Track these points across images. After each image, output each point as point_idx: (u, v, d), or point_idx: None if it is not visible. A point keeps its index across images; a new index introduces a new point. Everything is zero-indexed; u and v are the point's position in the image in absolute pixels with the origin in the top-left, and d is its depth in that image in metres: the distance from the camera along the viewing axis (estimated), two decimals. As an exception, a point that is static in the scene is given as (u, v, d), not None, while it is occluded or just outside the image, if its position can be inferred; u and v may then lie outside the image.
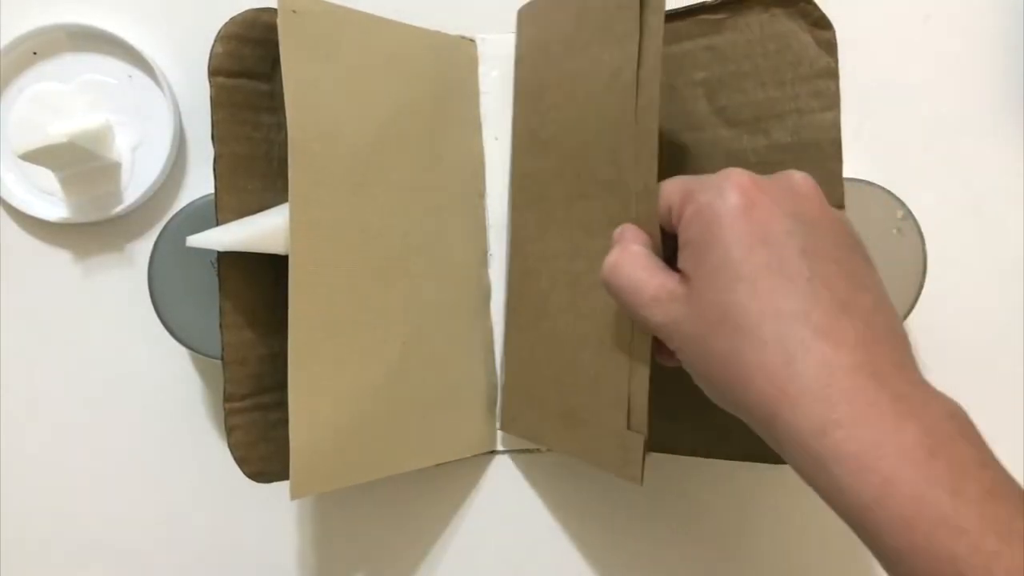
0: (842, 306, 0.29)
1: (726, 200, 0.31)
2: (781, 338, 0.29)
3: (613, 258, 0.35)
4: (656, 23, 0.37)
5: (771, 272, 0.30)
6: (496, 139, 0.50)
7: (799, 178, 0.33)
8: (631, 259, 0.34)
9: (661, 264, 0.34)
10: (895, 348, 0.30)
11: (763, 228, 0.30)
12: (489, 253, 0.50)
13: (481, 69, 0.50)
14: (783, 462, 0.30)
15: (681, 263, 0.33)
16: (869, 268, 0.32)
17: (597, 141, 0.42)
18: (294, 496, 0.41)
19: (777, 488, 0.51)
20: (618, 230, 0.37)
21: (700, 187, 0.33)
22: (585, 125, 0.43)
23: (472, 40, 0.50)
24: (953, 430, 0.28)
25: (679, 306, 0.32)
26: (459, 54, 0.49)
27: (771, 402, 0.29)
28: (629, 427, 0.39)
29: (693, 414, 0.42)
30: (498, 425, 0.51)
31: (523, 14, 0.49)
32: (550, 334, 0.46)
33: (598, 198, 0.42)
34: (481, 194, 0.50)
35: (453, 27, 0.49)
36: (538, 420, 0.47)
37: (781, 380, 0.28)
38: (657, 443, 0.45)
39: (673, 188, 0.34)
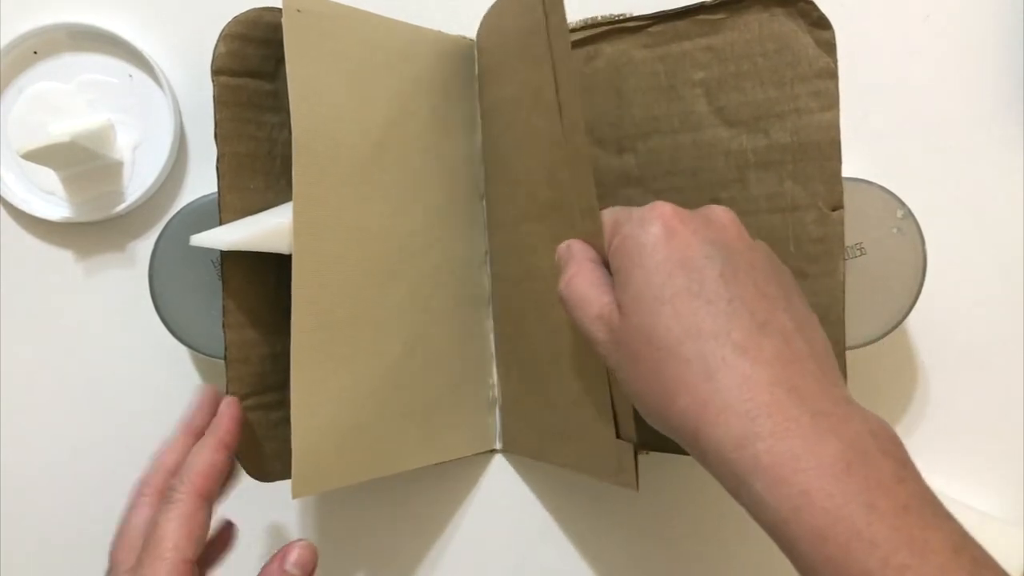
0: (760, 326, 0.31)
1: (647, 230, 0.33)
2: (702, 356, 0.30)
3: (569, 273, 0.36)
4: (562, 46, 0.37)
5: (691, 295, 0.31)
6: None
7: (719, 211, 0.35)
8: (585, 274, 0.35)
9: (611, 282, 0.35)
10: (818, 366, 0.30)
11: (682, 254, 0.32)
12: (488, 253, 0.50)
13: (482, 69, 0.51)
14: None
15: (615, 291, 0.34)
16: (791, 292, 0.33)
17: (536, 164, 0.42)
18: (296, 495, 0.41)
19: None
20: (563, 245, 0.37)
21: (627, 218, 0.34)
22: (523, 149, 0.43)
23: (473, 40, 0.50)
24: (873, 446, 0.28)
25: (615, 327, 0.33)
26: (460, 54, 0.49)
27: (694, 417, 0.29)
28: (618, 436, 0.40)
29: None
30: (499, 446, 0.51)
31: (479, 37, 0.50)
32: (530, 354, 0.47)
33: (545, 219, 0.42)
34: (481, 195, 0.50)
35: (453, 27, 0.49)
36: (536, 439, 0.48)
37: (703, 395, 0.29)
38: (651, 443, 0.45)
39: (606, 219, 0.36)
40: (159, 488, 0.40)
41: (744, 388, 0.29)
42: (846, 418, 0.29)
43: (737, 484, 0.28)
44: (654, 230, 0.33)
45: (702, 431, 0.29)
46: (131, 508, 0.40)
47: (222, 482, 0.40)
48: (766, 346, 0.30)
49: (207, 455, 0.39)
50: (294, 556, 0.39)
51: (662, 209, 0.33)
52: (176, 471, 0.39)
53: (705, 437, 0.29)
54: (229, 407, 0.42)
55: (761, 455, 0.28)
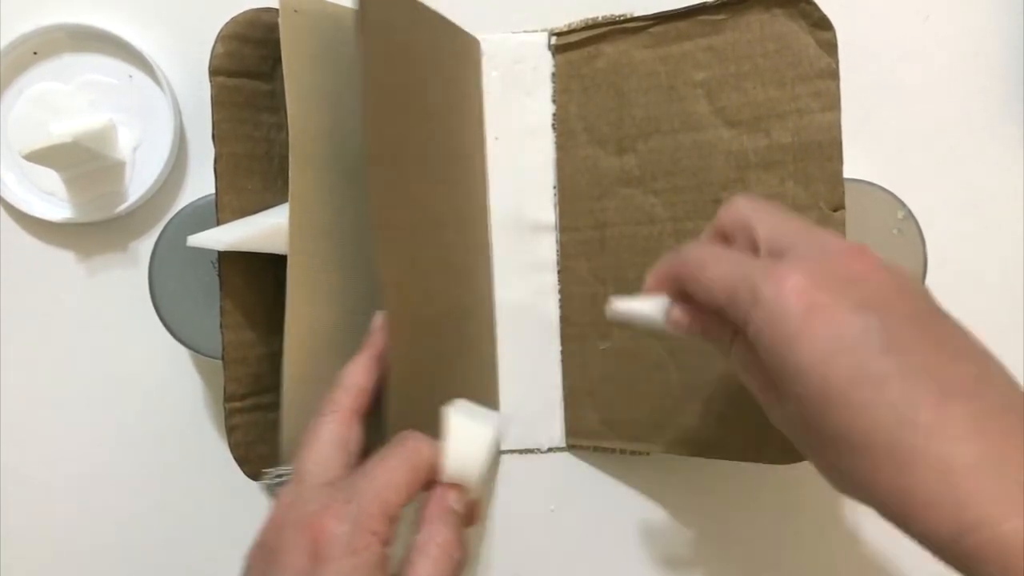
0: (945, 393, 0.27)
1: (787, 312, 0.29)
2: (890, 450, 0.27)
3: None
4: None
5: (857, 384, 0.27)
6: (496, 139, 0.50)
7: (855, 254, 0.30)
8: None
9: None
10: (1016, 416, 0.27)
11: (834, 333, 0.28)
12: (491, 253, 0.50)
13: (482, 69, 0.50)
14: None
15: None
16: (953, 325, 0.30)
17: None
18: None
19: (779, 487, 0.51)
20: None
21: (758, 288, 0.30)
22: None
23: (477, 39, 0.50)
24: None
25: (779, 413, 0.32)
26: (468, 50, 0.49)
27: (899, 511, 0.27)
28: None
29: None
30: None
31: None
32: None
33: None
34: (485, 194, 0.50)
35: (453, 27, 0.49)
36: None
37: (901, 492, 0.27)
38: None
39: (734, 273, 0.31)
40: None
41: (946, 477, 0.26)
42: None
43: (961, 568, 0.26)
44: (793, 309, 0.28)
45: (912, 526, 0.27)
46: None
47: (373, 395, 0.38)
48: (958, 416, 0.27)
49: (352, 371, 0.38)
50: (454, 494, 0.35)
51: (795, 281, 0.29)
52: (348, 387, 0.38)
53: (917, 533, 0.27)
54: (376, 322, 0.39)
55: (983, 546, 0.25)
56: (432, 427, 0.35)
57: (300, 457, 0.36)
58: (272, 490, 0.39)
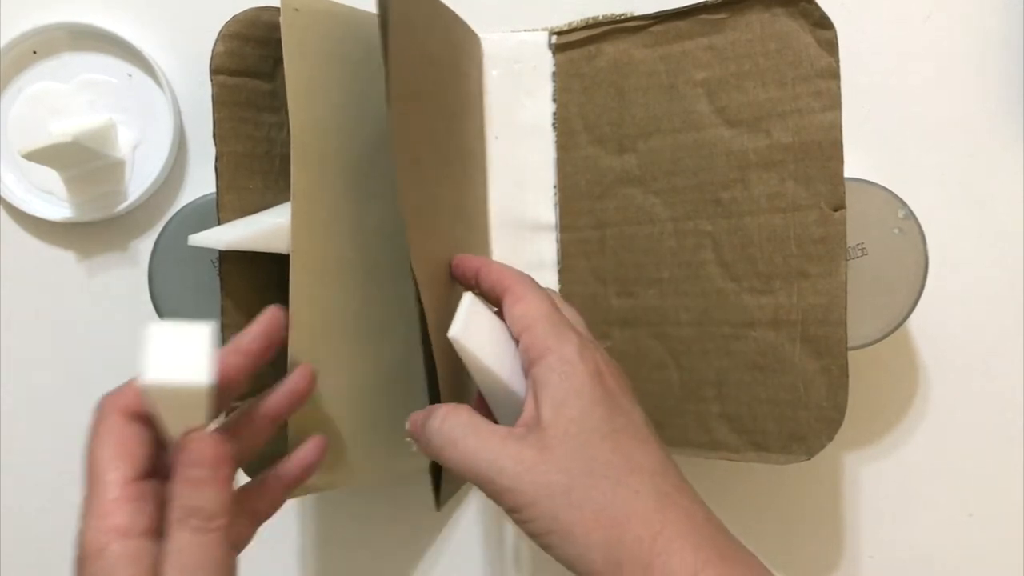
0: (680, 473, 0.34)
1: (585, 360, 0.34)
2: (652, 489, 0.32)
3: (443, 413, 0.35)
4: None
5: (628, 435, 0.34)
6: (496, 139, 0.50)
7: (616, 366, 0.37)
8: (467, 413, 0.35)
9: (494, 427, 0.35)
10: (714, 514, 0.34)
11: (614, 397, 0.34)
12: (491, 252, 0.50)
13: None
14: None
15: (537, 405, 0.34)
16: None
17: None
18: (291, 495, 0.41)
19: (779, 487, 0.51)
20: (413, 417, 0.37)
21: (555, 337, 0.35)
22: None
23: (478, 36, 0.50)
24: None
25: (529, 460, 0.33)
26: (471, 46, 0.49)
27: (648, 546, 0.31)
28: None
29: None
30: None
31: None
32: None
33: None
34: (485, 193, 0.50)
35: (454, 26, 0.49)
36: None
37: (656, 525, 0.31)
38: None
39: (539, 313, 0.36)
40: None
41: (690, 521, 0.32)
42: (750, 553, 0.33)
43: None
44: (591, 365, 0.34)
45: (656, 561, 0.31)
46: None
47: (240, 385, 0.36)
48: (690, 489, 0.34)
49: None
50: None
51: (593, 350, 0.35)
52: None
53: (660, 564, 0.31)
54: (272, 311, 0.37)
55: None
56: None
57: None
58: None
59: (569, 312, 0.38)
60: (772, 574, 0.33)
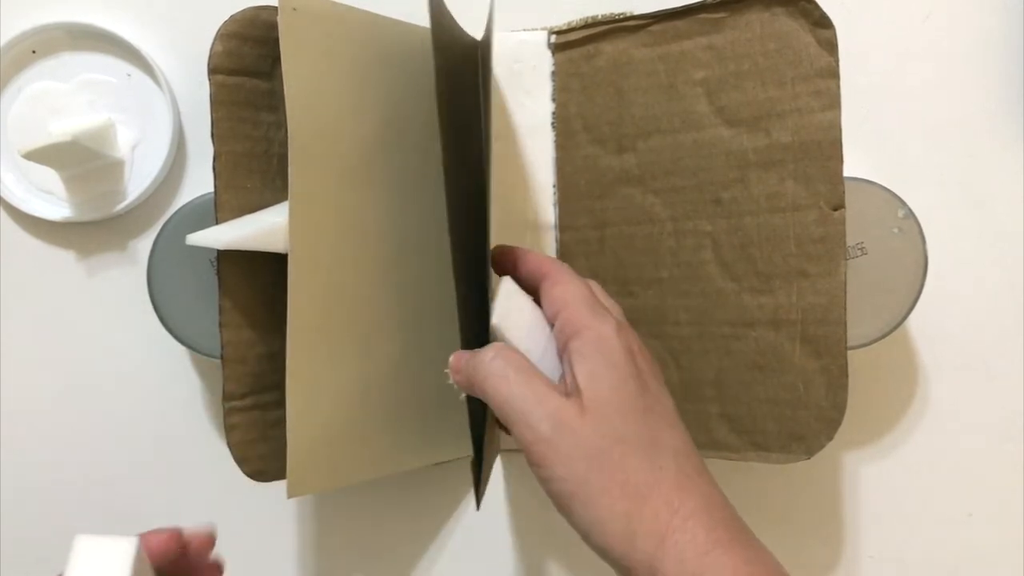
0: (702, 460, 0.35)
1: (619, 338, 0.35)
2: (676, 467, 0.33)
3: (492, 354, 0.36)
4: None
5: (656, 415, 0.34)
6: (496, 139, 0.50)
7: (649, 354, 0.37)
8: (521, 362, 0.36)
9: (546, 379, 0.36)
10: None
11: (642, 377, 0.35)
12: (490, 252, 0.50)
13: (481, 68, 0.50)
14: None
15: (574, 375, 0.35)
16: None
17: None
18: (291, 495, 0.41)
19: (779, 487, 0.51)
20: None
21: (593, 315, 0.36)
22: None
23: (475, 39, 0.50)
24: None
25: (569, 423, 0.33)
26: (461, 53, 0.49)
27: (665, 521, 0.32)
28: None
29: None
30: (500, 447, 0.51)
31: None
32: None
33: None
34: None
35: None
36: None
37: (675, 503, 0.32)
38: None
39: (576, 294, 0.37)
40: None
41: (707, 503, 0.33)
42: (764, 546, 0.34)
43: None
44: (625, 344, 0.35)
45: (670, 537, 0.31)
46: None
47: None
48: (710, 476, 0.35)
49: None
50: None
51: (629, 332, 0.36)
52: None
53: (673, 542, 0.31)
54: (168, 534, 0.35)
55: (721, 558, 0.31)
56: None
57: None
58: None
59: (608, 302, 0.39)
60: (780, 564, 0.33)
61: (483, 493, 0.42)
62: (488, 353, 0.35)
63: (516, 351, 0.35)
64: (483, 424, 0.40)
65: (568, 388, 0.34)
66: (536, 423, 0.33)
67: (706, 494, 0.33)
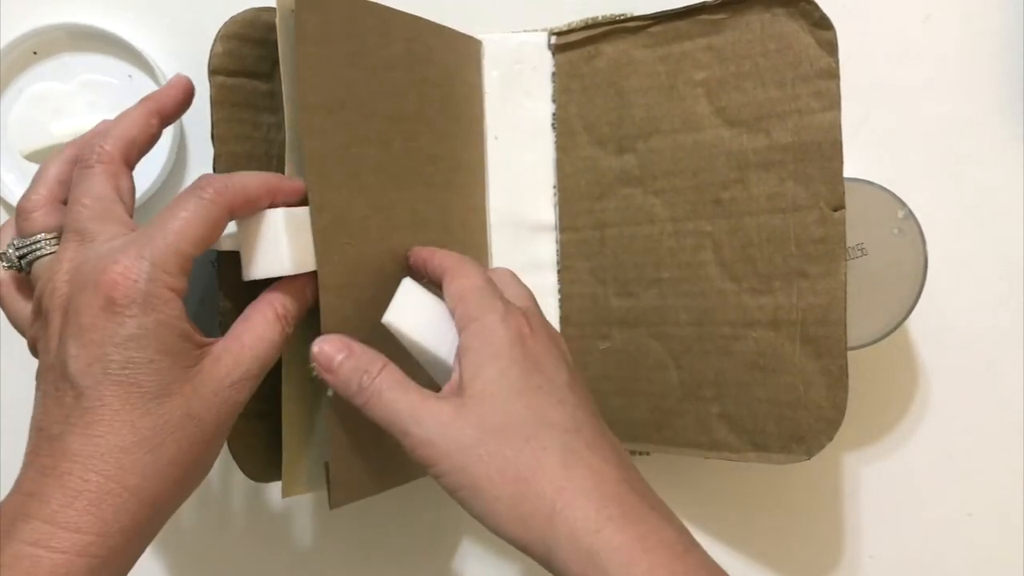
0: (601, 433, 0.35)
1: (508, 325, 0.36)
2: (560, 445, 0.33)
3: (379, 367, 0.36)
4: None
5: (544, 394, 0.35)
6: (496, 139, 0.50)
7: (556, 333, 0.39)
8: (395, 373, 0.36)
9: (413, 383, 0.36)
10: (638, 474, 0.35)
11: (536, 358, 0.35)
12: (490, 252, 0.50)
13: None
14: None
15: (460, 370, 0.36)
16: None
17: None
18: (286, 494, 0.41)
19: (779, 486, 0.51)
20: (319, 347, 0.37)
21: (484, 306, 0.36)
22: None
23: (479, 40, 0.50)
24: (690, 536, 0.34)
25: (447, 415, 0.34)
26: (467, 52, 0.49)
27: (550, 500, 0.32)
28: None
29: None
30: None
31: None
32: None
33: None
34: (483, 194, 0.50)
35: (454, 26, 0.49)
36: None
37: (560, 481, 0.32)
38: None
39: (459, 287, 0.38)
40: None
41: (596, 479, 0.33)
42: (669, 514, 0.34)
43: (587, 565, 0.31)
44: (512, 330, 0.35)
45: (558, 514, 0.32)
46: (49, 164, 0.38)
47: (144, 150, 0.38)
48: (607, 449, 0.34)
49: (122, 122, 0.37)
50: (281, 298, 0.37)
51: (518, 316, 0.36)
52: (117, 137, 0.36)
53: (562, 520, 0.32)
54: (179, 79, 0.40)
55: (614, 535, 0.31)
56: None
57: (73, 214, 0.34)
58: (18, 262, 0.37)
59: (516, 290, 0.40)
60: (682, 531, 0.33)
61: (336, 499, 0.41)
62: (360, 379, 0.35)
63: (389, 365, 0.36)
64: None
65: (454, 385, 0.35)
66: (413, 429, 0.34)
67: (597, 470, 0.33)
